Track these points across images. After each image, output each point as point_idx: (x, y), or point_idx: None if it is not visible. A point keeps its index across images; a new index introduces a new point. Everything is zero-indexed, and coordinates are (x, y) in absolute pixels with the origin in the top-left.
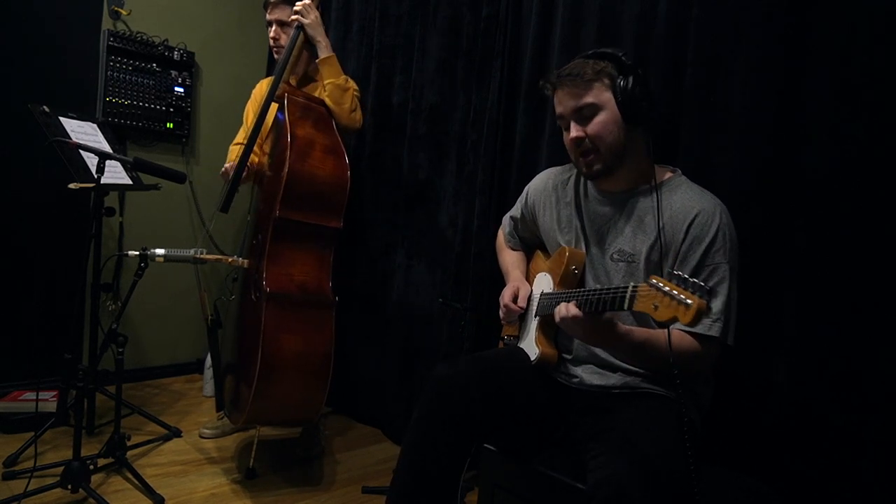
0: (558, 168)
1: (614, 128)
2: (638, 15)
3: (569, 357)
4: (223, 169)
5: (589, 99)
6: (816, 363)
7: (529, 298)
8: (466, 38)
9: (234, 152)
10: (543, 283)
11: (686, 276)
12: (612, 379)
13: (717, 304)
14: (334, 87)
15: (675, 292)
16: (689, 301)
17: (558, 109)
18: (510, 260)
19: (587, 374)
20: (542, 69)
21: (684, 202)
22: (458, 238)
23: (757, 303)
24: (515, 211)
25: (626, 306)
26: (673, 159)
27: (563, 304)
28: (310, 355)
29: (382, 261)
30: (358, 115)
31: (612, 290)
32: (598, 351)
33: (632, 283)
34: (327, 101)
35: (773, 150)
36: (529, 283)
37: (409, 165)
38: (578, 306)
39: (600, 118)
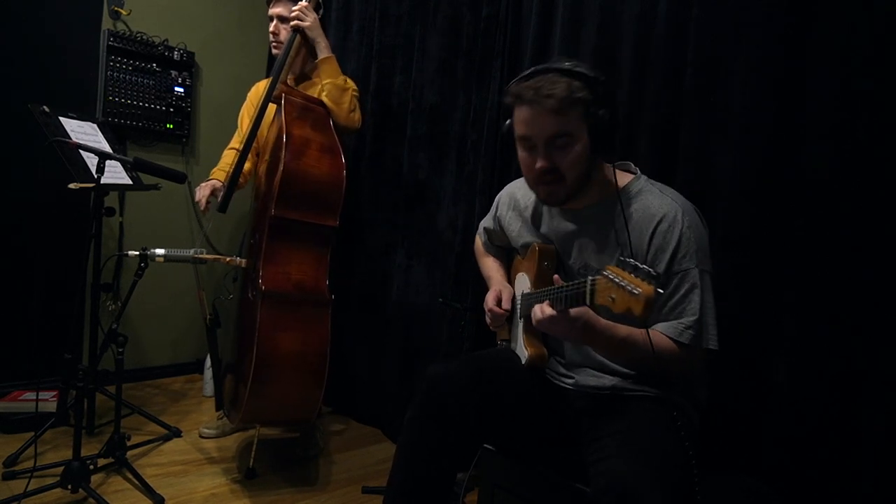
0: (522, 179)
1: (584, 159)
2: (638, 15)
3: (562, 361)
4: (198, 195)
5: (564, 127)
6: (816, 363)
7: (513, 300)
8: (466, 38)
9: (229, 157)
10: (522, 283)
11: (637, 264)
12: (608, 381)
13: (690, 314)
14: (333, 87)
15: (625, 282)
16: (637, 290)
17: (523, 130)
18: (490, 266)
19: (582, 377)
20: None
21: (645, 210)
22: (458, 238)
23: (757, 303)
24: (488, 222)
25: (587, 300)
26: (673, 159)
27: (536, 307)
28: (306, 354)
29: (382, 261)
30: (357, 115)
31: (574, 285)
32: (592, 354)
33: (590, 277)
34: (326, 100)
35: (773, 150)
36: (512, 286)
37: (409, 165)
38: (551, 305)
39: (575, 150)
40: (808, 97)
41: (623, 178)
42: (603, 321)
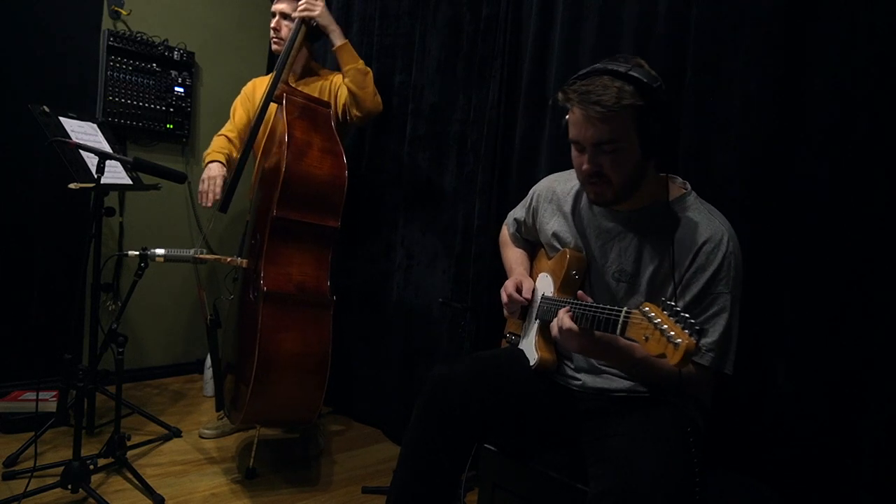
0: (565, 173)
1: (633, 164)
2: (638, 15)
3: (570, 365)
4: (209, 186)
5: (612, 134)
6: (816, 364)
7: (533, 293)
8: (466, 38)
9: (220, 142)
10: (545, 284)
11: (679, 310)
12: (615, 383)
13: (713, 335)
14: (356, 72)
15: (665, 327)
16: (678, 340)
17: (574, 132)
18: (514, 257)
19: (589, 378)
20: (542, 69)
21: (693, 227)
22: (458, 238)
23: (757, 304)
24: (519, 213)
25: (618, 331)
26: (673, 159)
27: (559, 317)
28: (307, 355)
29: (382, 261)
30: (379, 98)
31: (606, 311)
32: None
33: (625, 309)
34: (350, 86)
35: (773, 150)
36: (533, 281)
37: (409, 165)
38: (574, 319)
39: (621, 156)
40: (807, 97)
41: (675, 191)
42: (623, 341)
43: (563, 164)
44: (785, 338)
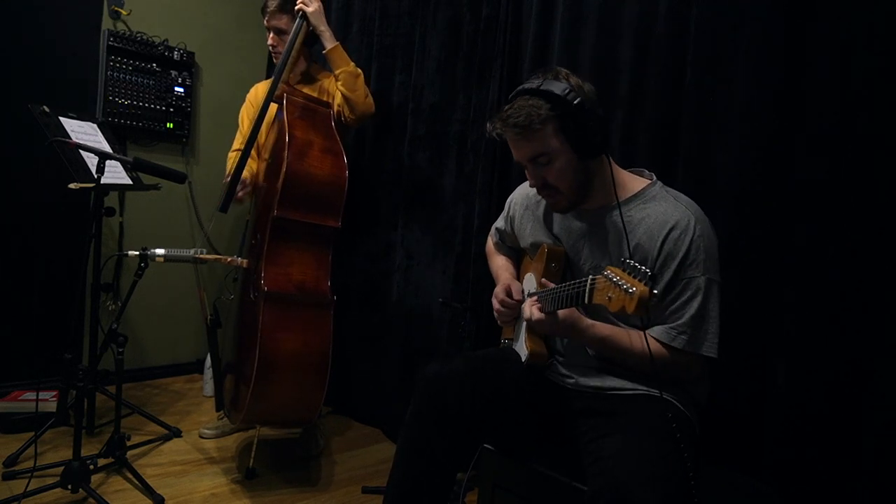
0: None
1: (572, 169)
2: (638, 15)
3: (563, 361)
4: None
5: (539, 148)
6: (815, 363)
7: (522, 294)
8: (466, 38)
9: (233, 159)
10: (530, 284)
11: (636, 265)
12: (608, 381)
13: (684, 317)
14: (347, 76)
15: (622, 282)
16: (632, 289)
17: (514, 154)
18: (499, 264)
19: (582, 377)
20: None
21: (658, 215)
22: (458, 238)
23: (757, 302)
24: (500, 223)
25: (585, 300)
26: (673, 159)
27: (525, 305)
28: (308, 355)
29: (382, 261)
30: (370, 100)
31: (575, 284)
32: (592, 353)
33: (591, 276)
34: (342, 89)
35: (773, 150)
36: (521, 284)
37: (409, 165)
38: (541, 302)
39: (557, 165)
40: (807, 96)
41: (638, 183)
42: (587, 321)
43: None
44: (785, 338)
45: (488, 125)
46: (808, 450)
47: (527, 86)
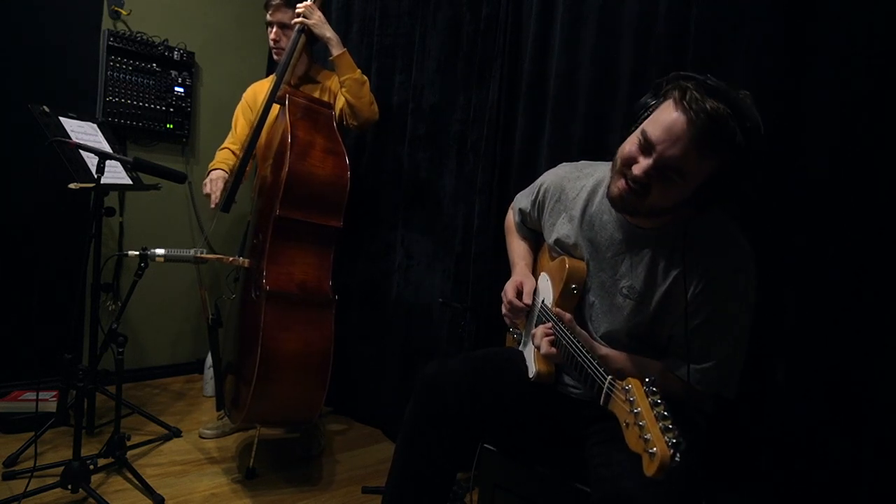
0: (577, 166)
1: (679, 199)
2: (638, 14)
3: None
4: (212, 188)
5: (692, 166)
6: (816, 364)
7: (535, 295)
8: (466, 38)
9: (224, 154)
10: (545, 288)
11: (666, 413)
12: None
13: (714, 359)
14: (353, 82)
15: (645, 426)
16: (653, 450)
17: (656, 130)
18: (517, 250)
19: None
20: (542, 69)
21: (717, 244)
22: (458, 238)
23: (757, 304)
24: (525, 203)
25: (601, 401)
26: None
27: (537, 331)
28: (309, 354)
29: (382, 260)
30: (375, 106)
31: (593, 370)
32: None
33: (609, 379)
34: (347, 96)
35: (773, 150)
36: (535, 278)
37: (409, 165)
38: (555, 343)
39: (676, 190)
40: (807, 96)
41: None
42: (604, 350)
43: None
44: (785, 338)
45: (676, 77)
46: (808, 450)
47: (742, 105)
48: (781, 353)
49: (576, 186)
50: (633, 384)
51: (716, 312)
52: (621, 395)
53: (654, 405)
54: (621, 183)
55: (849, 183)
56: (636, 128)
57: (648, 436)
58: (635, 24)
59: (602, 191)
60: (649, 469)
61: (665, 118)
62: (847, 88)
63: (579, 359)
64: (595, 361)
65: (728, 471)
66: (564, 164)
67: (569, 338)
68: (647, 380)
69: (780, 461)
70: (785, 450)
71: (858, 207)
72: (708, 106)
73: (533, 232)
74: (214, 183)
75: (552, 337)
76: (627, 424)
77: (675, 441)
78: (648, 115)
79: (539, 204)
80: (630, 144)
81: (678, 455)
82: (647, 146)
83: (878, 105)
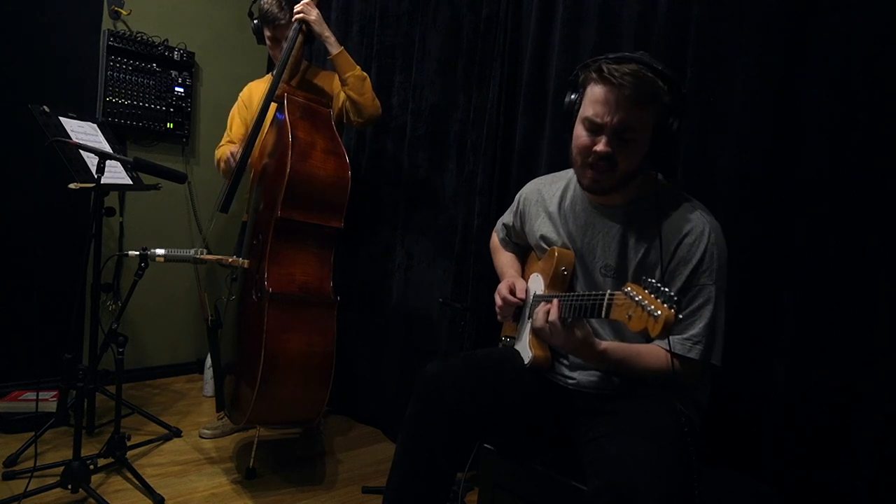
0: (549, 177)
1: (640, 157)
2: (638, 14)
3: (566, 362)
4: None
5: (639, 120)
6: (815, 363)
7: (526, 293)
8: (466, 39)
9: (219, 154)
10: (536, 284)
11: (659, 286)
12: (610, 382)
13: (698, 327)
14: (355, 79)
15: (645, 302)
16: (657, 312)
17: (597, 110)
18: (504, 260)
19: (584, 377)
20: (542, 69)
21: (674, 220)
22: (458, 238)
23: (756, 303)
24: (507, 218)
25: (603, 314)
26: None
27: (540, 308)
28: (312, 355)
29: (382, 261)
30: (377, 102)
31: (590, 297)
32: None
33: (608, 291)
34: (350, 93)
35: (773, 150)
36: (525, 282)
37: (409, 165)
38: (560, 314)
39: (636, 147)
40: (807, 96)
41: (657, 185)
42: (602, 343)
43: (562, 164)
44: (785, 338)
45: (590, 69)
46: (808, 450)
47: (646, 59)
48: (781, 353)
49: (551, 189)
50: (631, 285)
51: (688, 279)
52: (621, 297)
53: (651, 289)
54: (589, 172)
55: (849, 183)
56: (573, 124)
57: (650, 306)
58: (635, 24)
59: (573, 186)
60: (654, 329)
61: (598, 96)
62: (847, 88)
63: (579, 304)
64: (592, 292)
65: (728, 468)
66: (537, 178)
67: (566, 301)
68: (645, 278)
69: (780, 461)
70: (785, 450)
71: (858, 207)
72: (626, 69)
73: (518, 246)
74: (232, 156)
75: (548, 307)
76: (630, 316)
77: (674, 299)
78: (579, 108)
79: (521, 213)
80: (579, 138)
81: (679, 313)
82: (595, 127)
83: (878, 105)
